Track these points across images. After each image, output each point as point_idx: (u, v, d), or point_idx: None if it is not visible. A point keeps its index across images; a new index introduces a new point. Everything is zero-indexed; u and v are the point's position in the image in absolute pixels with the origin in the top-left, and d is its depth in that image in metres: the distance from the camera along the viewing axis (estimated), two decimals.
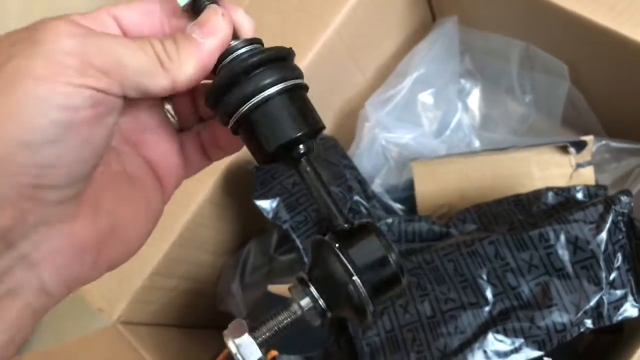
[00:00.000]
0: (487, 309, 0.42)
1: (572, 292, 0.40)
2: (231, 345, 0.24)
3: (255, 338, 0.24)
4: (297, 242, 0.48)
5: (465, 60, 0.65)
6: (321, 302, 0.24)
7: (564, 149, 0.52)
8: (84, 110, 0.21)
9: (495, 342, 0.40)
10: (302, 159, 0.25)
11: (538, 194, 0.47)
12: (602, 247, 0.40)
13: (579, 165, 0.52)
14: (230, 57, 0.25)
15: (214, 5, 0.25)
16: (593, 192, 0.47)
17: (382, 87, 0.61)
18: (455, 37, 0.63)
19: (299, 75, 0.26)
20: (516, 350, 0.40)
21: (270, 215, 0.48)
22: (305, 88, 0.26)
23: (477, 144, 0.63)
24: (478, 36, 0.62)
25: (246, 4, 0.59)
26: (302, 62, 0.54)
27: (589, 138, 0.51)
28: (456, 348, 0.41)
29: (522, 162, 0.53)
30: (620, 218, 0.41)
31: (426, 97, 0.62)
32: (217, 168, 0.54)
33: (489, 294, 0.42)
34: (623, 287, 0.41)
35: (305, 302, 0.24)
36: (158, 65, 0.23)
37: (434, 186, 0.55)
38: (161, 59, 0.23)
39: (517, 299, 0.41)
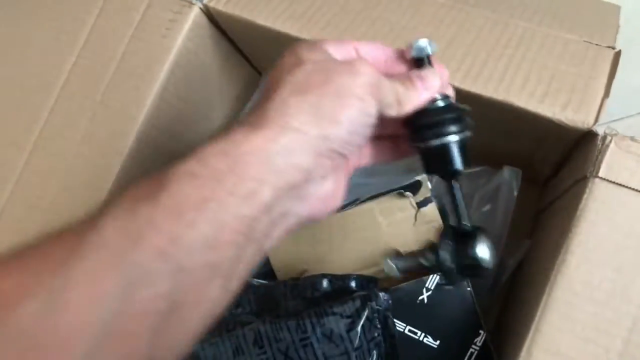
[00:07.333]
0: None
1: None
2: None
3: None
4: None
5: None
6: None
7: (402, 194, 0.52)
8: (375, 115, 0.31)
9: None
10: (458, 179, 0.36)
11: (314, 280, 0.46)
12: (355, 342, 0.40)
13: (420, 205, 0.53)
14: (434, 105, 0.35)
15: (433, 69, 0.35)
16: (365, 283, 0.46)
17: None
18: None
19: (470, 127, 0.35)
20: None
21: None
22: (469, 138, 0.35)
23: None
24: None
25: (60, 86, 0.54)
26: None
27: (422, 177, 0.52)
28: None
29: (367, 214, 0.53)
30: (376, 315, 0.41)
31: None
32: None
33: None
34: None
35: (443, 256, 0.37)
36: (396, 102, 0.33)
37: (288, 256, 0.53)
38: (399, 98, 0.33)
39: None
